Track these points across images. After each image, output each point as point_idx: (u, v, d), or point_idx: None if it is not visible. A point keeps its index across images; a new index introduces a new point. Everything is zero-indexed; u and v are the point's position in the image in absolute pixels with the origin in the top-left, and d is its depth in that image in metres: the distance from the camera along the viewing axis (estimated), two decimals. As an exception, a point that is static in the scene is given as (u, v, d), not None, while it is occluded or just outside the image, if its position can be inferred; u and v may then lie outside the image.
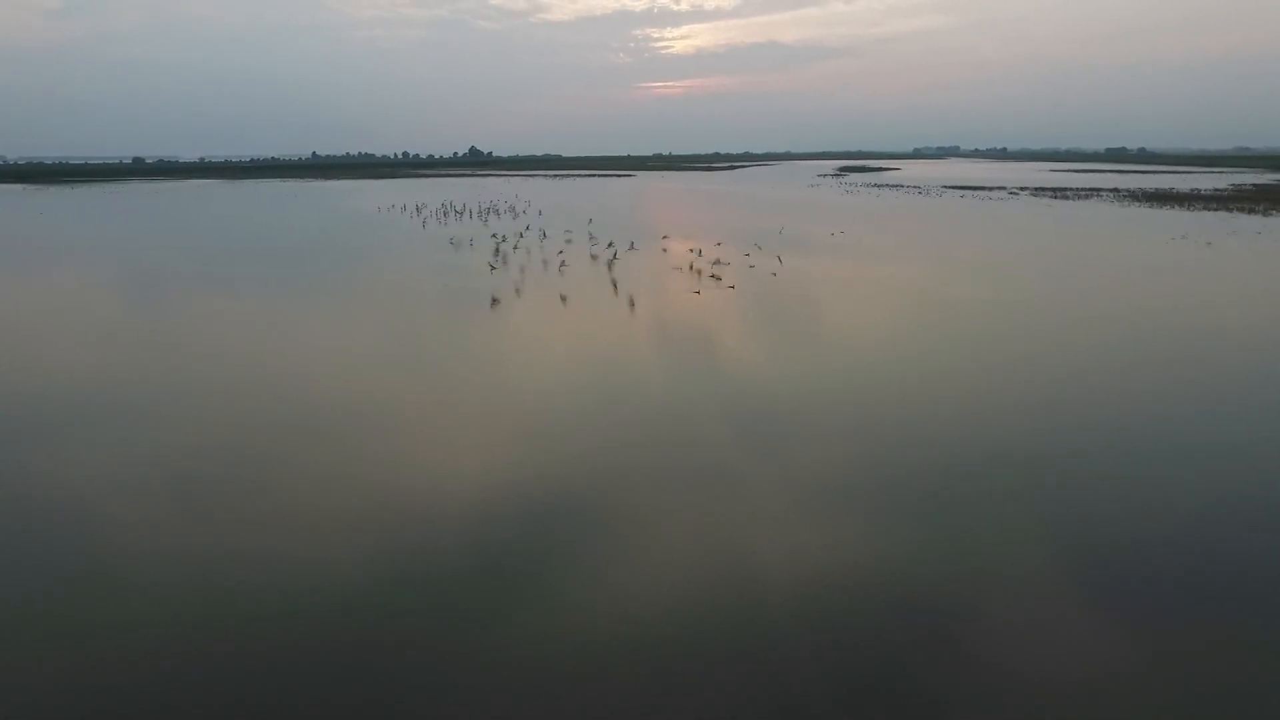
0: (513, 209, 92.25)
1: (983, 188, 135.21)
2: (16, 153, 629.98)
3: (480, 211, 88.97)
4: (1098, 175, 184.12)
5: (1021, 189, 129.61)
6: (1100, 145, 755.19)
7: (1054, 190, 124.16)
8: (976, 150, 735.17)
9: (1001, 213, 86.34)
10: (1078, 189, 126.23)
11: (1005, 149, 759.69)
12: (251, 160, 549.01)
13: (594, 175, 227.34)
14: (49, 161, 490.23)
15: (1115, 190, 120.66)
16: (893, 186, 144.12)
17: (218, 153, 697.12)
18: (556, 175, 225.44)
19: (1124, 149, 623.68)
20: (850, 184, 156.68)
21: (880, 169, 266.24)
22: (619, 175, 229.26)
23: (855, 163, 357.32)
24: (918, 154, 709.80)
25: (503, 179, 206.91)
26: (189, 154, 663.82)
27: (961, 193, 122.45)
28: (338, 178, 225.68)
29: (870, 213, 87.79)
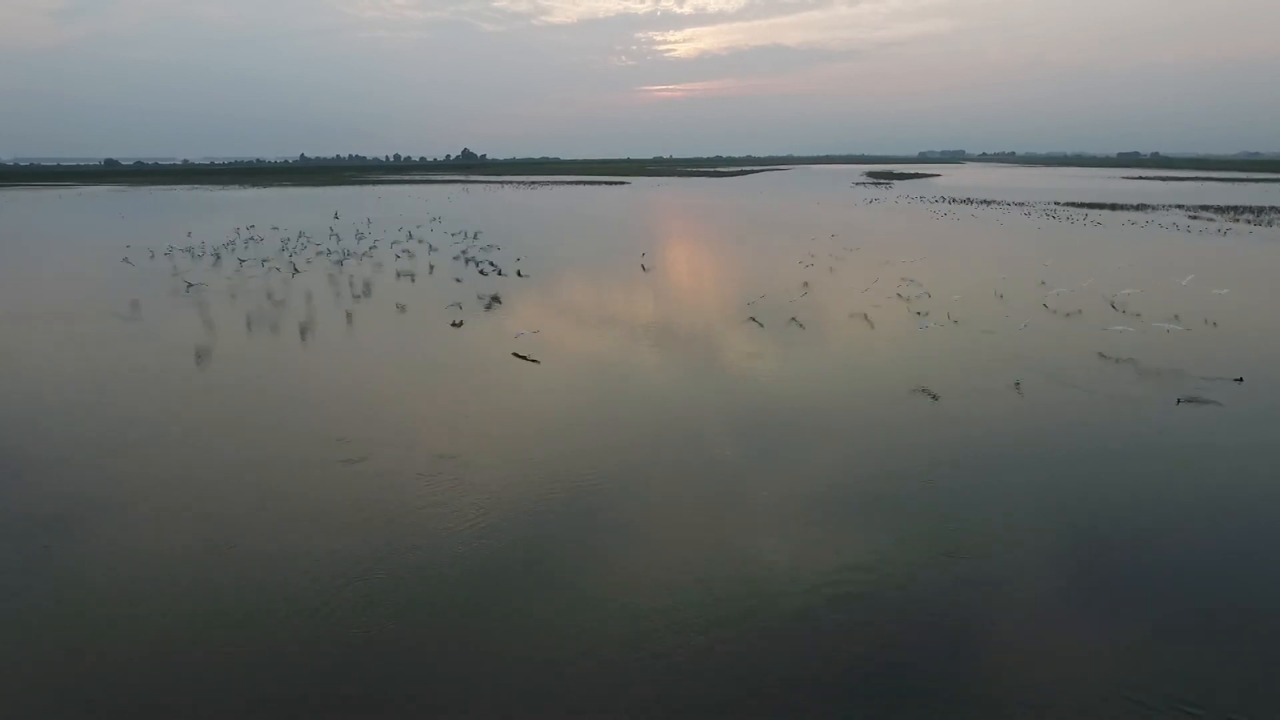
0: (408, 250, 56.51)
1: (1120, 205, 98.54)
2: (14, 153, 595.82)
3: (328, 254, 52.63)
4: (1219, 185, 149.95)
5: (1180, 207, 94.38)
6: (1106, 149, 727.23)
7: (1252, 211, 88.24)
8: (984, 154, 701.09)
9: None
10: (1265, 208, 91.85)
11: (1013, 153, 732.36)
12: (231, 162, 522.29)
13: (581, 182, 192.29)
14: (24, 164, 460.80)
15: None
16: (982, 203, 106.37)
17: (215, 154, 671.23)
18: (534, 183, 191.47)
19: (1136, 153, 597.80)
20: (919, 200, 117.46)
21: (918, 175, 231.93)
22: (610, 182, 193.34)
23: (881, 168, 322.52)
24: (923, 157, 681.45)
25: (462, 187, 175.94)
26: (184, 155, 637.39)
27: (1127, 217, 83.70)
28: (288, 183, 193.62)
29: (1077, 267, 47.99)
